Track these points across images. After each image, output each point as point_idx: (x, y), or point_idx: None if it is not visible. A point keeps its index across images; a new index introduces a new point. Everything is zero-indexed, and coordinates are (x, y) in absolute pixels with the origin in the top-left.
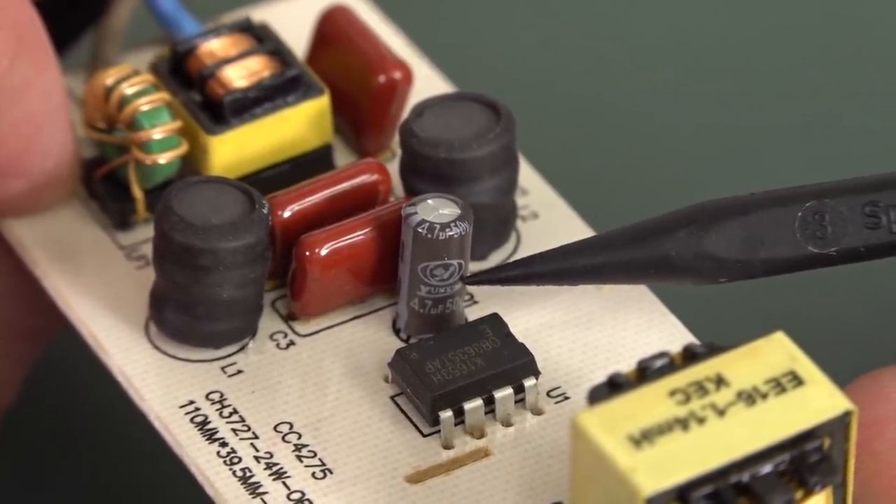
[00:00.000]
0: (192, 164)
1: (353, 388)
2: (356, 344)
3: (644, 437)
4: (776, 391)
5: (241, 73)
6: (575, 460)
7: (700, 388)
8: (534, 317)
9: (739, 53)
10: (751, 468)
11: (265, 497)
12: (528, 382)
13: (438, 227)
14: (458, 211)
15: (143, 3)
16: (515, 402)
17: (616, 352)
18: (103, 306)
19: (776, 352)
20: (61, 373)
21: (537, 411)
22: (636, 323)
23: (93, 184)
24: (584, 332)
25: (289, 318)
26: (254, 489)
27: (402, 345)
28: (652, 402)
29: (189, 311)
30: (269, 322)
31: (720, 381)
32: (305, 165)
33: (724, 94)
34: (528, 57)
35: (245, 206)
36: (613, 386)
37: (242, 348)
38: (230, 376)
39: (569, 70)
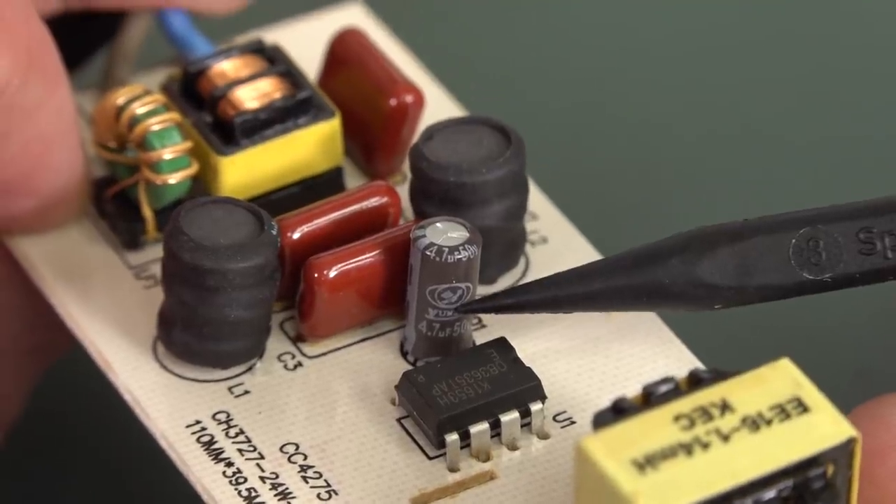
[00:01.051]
0: (202, 185)
1: (360, 410)
2: (364, 366)
3: (648, 462)
4: (781, 417)
5: (253, 95)
6: (579, 484)
7: (705, 413)
8: (541, 341)
9: (746, 68)
10: (754, 494)
11: None
12: (535, 406)
13: (447, 250)
14: (467, 234)
15: (156, 24)
16: (521, 426)
17: (622, 377)
18: (111, 325)
19: (781, 378)
20: (67, 389)
21: (543, 435)
22: (642, 348)
23: (103, 203)
24: (591, 357)
25: (297, 339)
26: None
27: (410, 367)
28: (656, 427)
29: (197, 331)
30: (276, 343)
31: (725, 407)
32: (316, 187)
33: (737, 113)
34: (538, 80)
35: (254, 227)
36: (618, 411)
37: (250, 369)
38: (237, 396)
39: (579, 93)
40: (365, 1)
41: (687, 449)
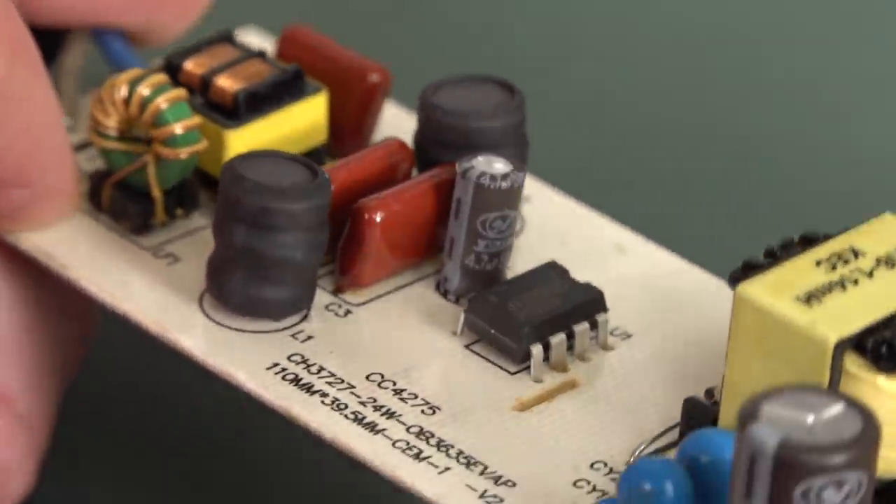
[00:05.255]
0: (200, 165)
1: (425, 342)
2: (410, 307)
3: (810, 298)
4: None
5: (242, 75)
6: (737, 335)
7: (840, 258)
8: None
9: (731, 44)
10: None
11: (385, 433)
12: (601, 318)
13: (500, 177)
14: (510, 165)
15: (94, 46)
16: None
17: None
18: (150, 296)
19: (891, 227)
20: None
21: (608, 347)
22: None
23: (102, 196)
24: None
25: (336, 292)
26: (371, 427)
27: (453, 306)
28: (803, 272)
29: (260, 276)
30: (318, 298)
31: (856, 253)
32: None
33: (707, 82)
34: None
35: (306, 174)
36: (749, 268)
37: (303, 319)
38: (303, 342)
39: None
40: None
41: (840, 285)
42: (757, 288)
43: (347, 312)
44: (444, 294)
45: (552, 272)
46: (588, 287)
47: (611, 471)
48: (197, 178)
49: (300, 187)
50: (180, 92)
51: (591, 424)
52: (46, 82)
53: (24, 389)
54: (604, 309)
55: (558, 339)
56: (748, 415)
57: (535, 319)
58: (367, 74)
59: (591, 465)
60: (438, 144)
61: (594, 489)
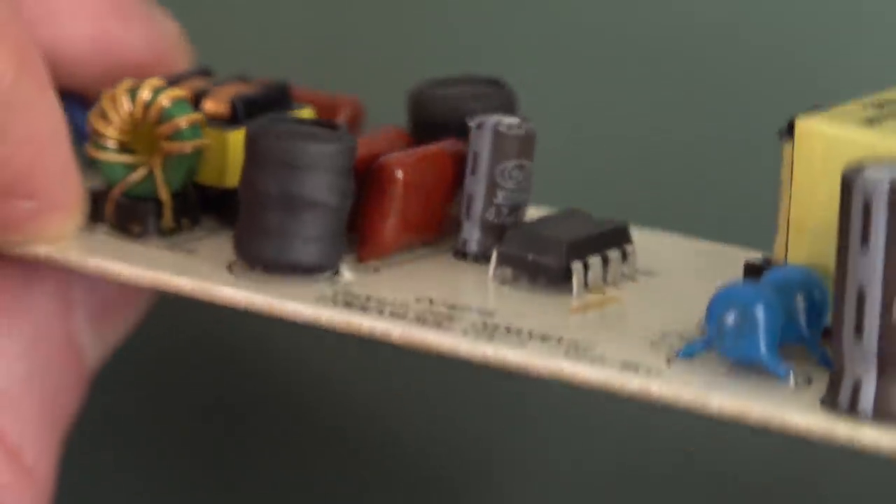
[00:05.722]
0: (203, 180)
1: (463, 286)
2: (435, 268)
3: (871, 122)
4: None
5: (231, 92)
6: (800, 170)
7: (887, 103)
8: None
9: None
10: None
11: (452, 326)
12: (629, 248)
13: (516, 124)
14: (519, 118)
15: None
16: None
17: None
18: (177, 272)
19: None
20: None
21: (636, 279)
22: None
23: (106, 210)
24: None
25: (359, 262)
26: (437, 324)
27: (475, 266)
28: (854, 111)
29: (293, 227)
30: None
31: (893, 101)
32: None
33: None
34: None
35: (327, 129)
36: (791, 127)
37: (335, 274)
38: (343, 285)
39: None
40: None
41: (892, 116)
42: (818, 120)
43: (376, 270)
44: (464, 257)
45: (574, 213)
46: (613, 220)
47: (681, 337)
48: (197, 193)
49: (327, 133)
50: (180, 91)
51: (651, 312)
52: (52, 95)
53: (31, 442)
54: (630, 241)
55: (595, 259)
56: (854, 172)
57: (571, 239)
58: (338, 111)
59: (662, 338)
60: (434, 130)
61: (672, 348)
